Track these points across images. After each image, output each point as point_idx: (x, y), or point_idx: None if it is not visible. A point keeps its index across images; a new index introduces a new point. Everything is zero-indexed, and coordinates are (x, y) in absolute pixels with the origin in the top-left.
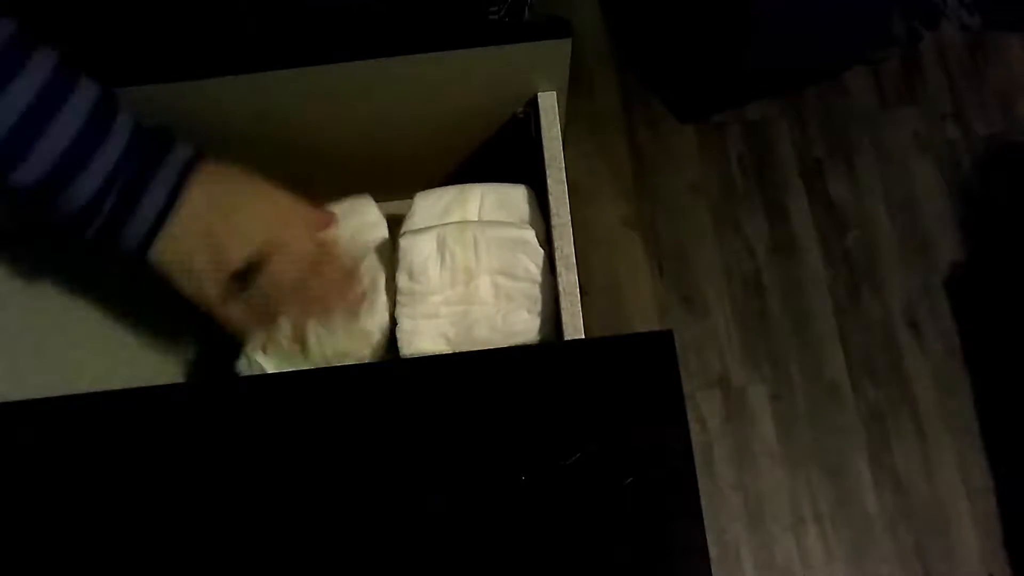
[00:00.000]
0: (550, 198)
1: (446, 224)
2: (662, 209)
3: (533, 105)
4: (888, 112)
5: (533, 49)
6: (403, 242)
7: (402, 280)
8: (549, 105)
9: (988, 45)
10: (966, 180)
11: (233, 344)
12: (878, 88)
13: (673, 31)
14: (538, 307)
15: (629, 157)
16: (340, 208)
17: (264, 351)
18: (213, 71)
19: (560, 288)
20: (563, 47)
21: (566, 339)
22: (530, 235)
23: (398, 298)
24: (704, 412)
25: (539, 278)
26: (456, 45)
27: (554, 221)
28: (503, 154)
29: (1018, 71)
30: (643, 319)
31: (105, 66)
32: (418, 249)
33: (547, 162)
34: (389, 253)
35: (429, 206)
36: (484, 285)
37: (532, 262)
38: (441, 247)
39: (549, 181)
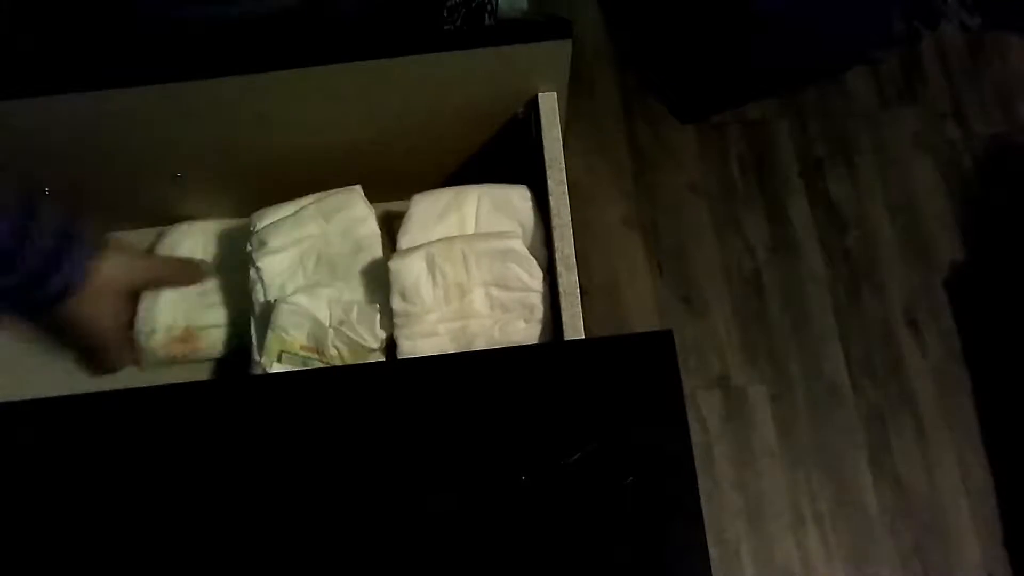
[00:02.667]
0: (550, 199)
1: (433, 242)
2: (662, 209)
3: (533, 106)
4: (888, 112)
5: (533, 50)
6: (392, 265)
7: (396, 302)
8: (549, 106)
9: (988, 45)
10: (966, 180)
11: (234, 342)
12: (878, 88)
13: (673, 31)
14: (535, 315)
15: (629, 157)
16: (329, 202)
17: (279, 360)
18: (213, 72)
19: (560, 288)
20: (563, 47)
21: (566, 339)
22: (518, 244)
23: (394, 320)
24: (704, 412)
25: (533, 286)
26: (456, 46)
27: (554, 222)
28: (503, 155)
29: (1018, 71)
30: (643, 319)
31: (103, 68)
32: (408, 270)
33: (547, 163)
34: (380, 248)
35: (425, 208)
36: (478, 298)
37: (524, 271)
38: (431, 266)
39: (549, 182)
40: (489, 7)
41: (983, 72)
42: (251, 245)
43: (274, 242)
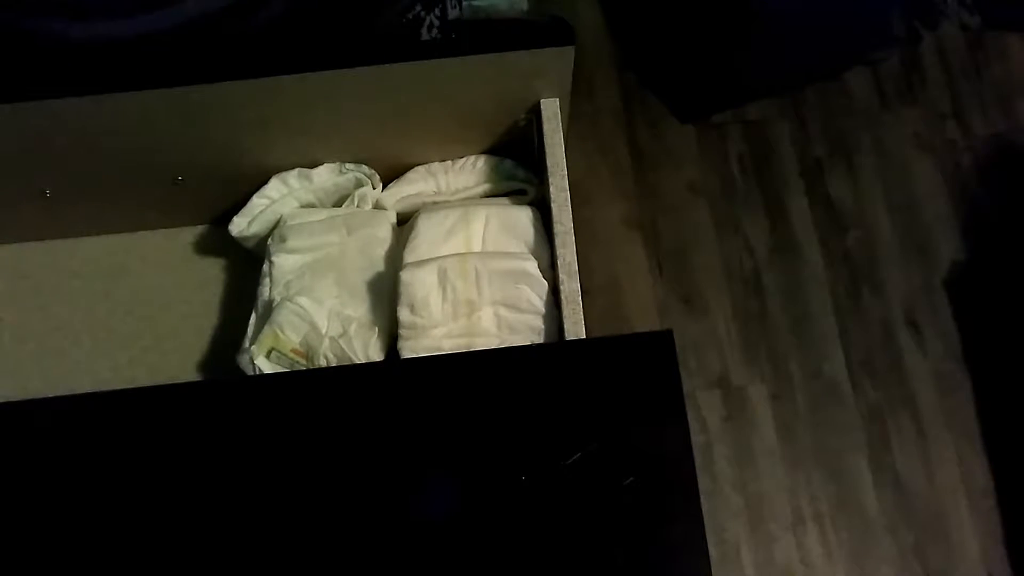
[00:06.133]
0: (552, 205)
1: (446, 256)
2: (662, 209)
3: (535, 112)
4: (888, 112)
5: (536, 56)
6: (404, 275)
7: (404, 314)
8: (552, 112)
9: (988, 45)
10: (966, 180)
11: (234, 343)
12: (878, 88)
13: (673, 31)
14: (542, 339)
15: (629, 157)
16: (358, 216)
17: (268, 357)
18: (215, 76)
19: (562, 295)
20: (566, 54)
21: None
22: (532, 266)
23: (400, 331)
24: (704, 412)
25: (542, 309)
26: (458, 52)
27: (556, 228)
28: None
29: (1018, 71)
30: (643, 319)
31: (103, 72)
32: (419, 283)
33: (549, 169)
34: (393, 271)
35: (434, 226)
36: (487, 317)
37: (535, 293)
38: (442, 280)
39: (552, 188)
40: (430, 21)
41: (983, 72)
42: (271, 239)
43: (293, 242)
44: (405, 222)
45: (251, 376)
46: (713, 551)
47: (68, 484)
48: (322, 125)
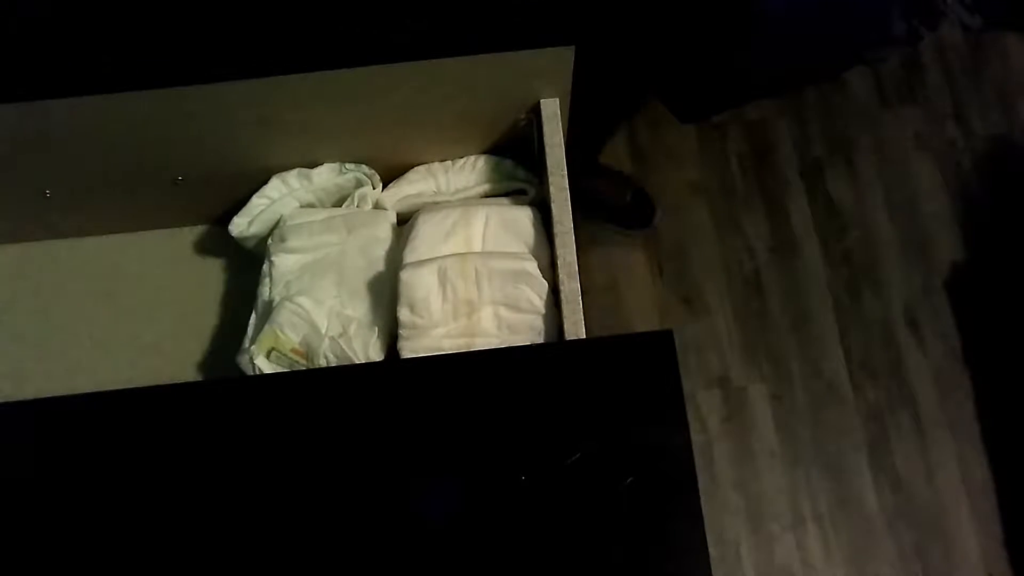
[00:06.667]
0: (552, 205)
1: (446, 256)
2: (662, 209)
3: (535, 112)
4: (888, 112)
5: (536, 56)
6: (404, 275)
7: (403, 314)
8: (552, 112)
9: (988, 45)
10: (966, 180)
11: (234, 343)
12: (878, 88)
13: (673, 31)
14: (542, 339)
15: (629, 157)
16: (358, 216)
17: (268, 357)
18: (215, 76)
19: (562, 295)
20: (566, 55)
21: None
22: (532, 266)
23: (400, 331)
24: (704, 412)
25: (542, 309)
26: (459, 52)
27: (556, 228)
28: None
29: (1018, 71)
30: (643, 319)
31: (104, 72)
32: (419, 282)
33: (550, 169)
34: (393, 272)
35: (433, 226)
36: (487, 317)
37: (535, 293)
38: (442, 280)
39: (552, 188)
40: None
41: (983, 72)
42: (271, 239)
43: (293, 242)
44: (405, 222)
45: (251, 376)
46: (713, 551)
47: (68, 484)
48: (322, 125)
